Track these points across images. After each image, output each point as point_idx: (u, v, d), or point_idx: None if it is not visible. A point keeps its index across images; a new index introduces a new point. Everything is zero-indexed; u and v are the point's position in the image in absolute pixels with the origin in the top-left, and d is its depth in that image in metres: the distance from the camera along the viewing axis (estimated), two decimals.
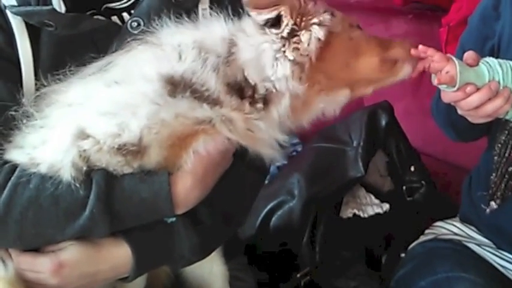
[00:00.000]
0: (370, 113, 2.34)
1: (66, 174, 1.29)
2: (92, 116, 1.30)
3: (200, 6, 1.51)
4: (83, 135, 1.29)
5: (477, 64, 1.48)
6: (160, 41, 1.36)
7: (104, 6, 1.50)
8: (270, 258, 2.15)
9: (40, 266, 1.35)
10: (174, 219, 1.38)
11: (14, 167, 1.33)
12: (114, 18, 1.51)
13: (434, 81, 1.48)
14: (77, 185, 1.29)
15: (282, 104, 1.34)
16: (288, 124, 1.38)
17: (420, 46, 1.44)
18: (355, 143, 2.29)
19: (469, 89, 1.45)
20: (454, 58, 1.45)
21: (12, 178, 1.32)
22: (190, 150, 1.32)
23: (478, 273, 1.73)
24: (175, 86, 1.30)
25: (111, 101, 1.31)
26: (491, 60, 1.50)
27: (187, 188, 1.34)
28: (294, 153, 2.80)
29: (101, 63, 1.36)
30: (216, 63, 1.32)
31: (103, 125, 1.29)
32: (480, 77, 1.47)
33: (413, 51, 1.44)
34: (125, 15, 1.51)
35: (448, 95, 1.51)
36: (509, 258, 1.81)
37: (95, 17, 1.49)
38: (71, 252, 1.36)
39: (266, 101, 1.34)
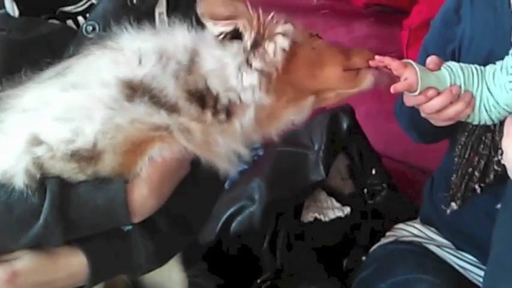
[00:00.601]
0: (332, 116, 2.34)
1: (19, 181, 1.27)
2: (46, 121, 1.28)
3: (157, 10, 1.50)
4: (36, 141, 1.27)
5: (439, 69, 1.50)
6: (119, 46, 1.34)
7: (59, 10, 1.48)
8: (231, 264, 2.14)
9: None
10: (130, 227, 1.36)
11: None
12: (69, 22, 1.49)
13: (391, 89, 1.49)
14: (30, 192, 1.27)
15: (247, 116, 1.33)
16: (253, 137, 1.37)
17: (376, 56, 1.45)
18: (316, 147, 2.29)
19: (430, 92, 1.46)
20: (413, 63, 1.45)
21: None
22: (145, 157, 1.30)
23: (438, 274, 1.74)
24: (134, 90, 1.28)
25: (66, 106, 1.28)
26: (453, 64, 1.51)
27: (143, 196, 1.32)
28: (256, 158, 2.80)
29: (58, 68, 1.34)
30: (176, 69, 1.30)
31: (57, 130, 1.27)
32: (441, 81, 1.48)
33: (370, 62, 1.44)
34: (80, 19, 1.49)
35: (410, 99, 1.52)
36: (469, 259, 1.82)
37: (50, 21, 1.47)
38: (25, 261, 1.33)
39: (229, 112, 1.33)
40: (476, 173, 1.72)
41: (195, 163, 1.40)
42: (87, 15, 1.47)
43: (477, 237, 1.78)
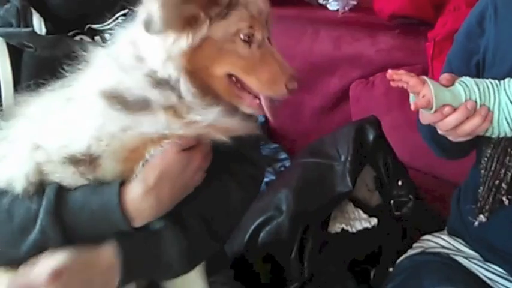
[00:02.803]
0: (358, 128, 2.34)
1: (19, 187, 1.32)
2: (45, 129, 1.34)
3: None
4: (36, 147, 1.32)
5: (453, 84, 1.50)
6: (96, 56, 1.40)
7: (87, 26, 1.52)
8: (259, 274, 2.14)
9: (36, 277, 1.33)
10: (162, 224, 1.38)
11: None
12: (97, 38, 1.53)
13: (412, 106, 1.50)
14: (28, 198, 1.31)
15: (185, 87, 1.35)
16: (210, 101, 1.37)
17: (395, 72, 1.48)
18: (342, 158, 2.29)
19: (446, 110, 1.48)
20: (429, 81, 1.47)
21: None
22: (141, 161, 1.34)
23: (466, 286, 1.73)
24: (112, 99, 1.32)
25: (63, 115, 1.34)
26: (467, 79, 1.52)
27: (138, 196, 1.33)
28: (282, 169, 2.81)
29: (63, 81, 1.39)
30: (130, 67, 1.35)
31: (54, 137, 1.32)
32: (456, 97, 1.49)
33: (388, 76, 1.46)
34: (107, 36, 1.53)
35: (426, 117, 1.53)
36: (497, 271, 1.81)
37: (78, 37, 1.51)
38: (64, 260, 1.34)
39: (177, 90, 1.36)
40: (504, 185, 1.72)
41: (226, 171, 1.43)
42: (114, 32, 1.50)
43: (505, 248, 1.77)
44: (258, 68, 1.34)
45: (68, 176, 1.33)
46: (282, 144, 3.03)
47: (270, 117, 1.38)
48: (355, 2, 3.33)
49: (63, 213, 1.31)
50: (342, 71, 3.15)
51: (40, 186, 1.32)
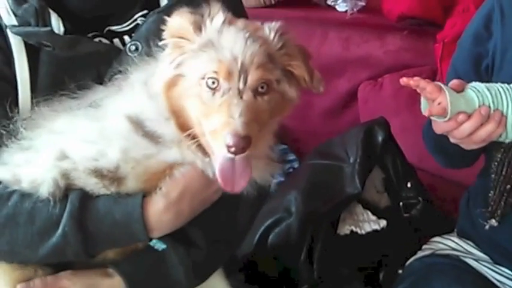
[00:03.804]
0: (367, 130, 2.34)
1: (45, 189, 1.33)
2: (73, 142, 1.35)
3: None
4: (63, 156, 1.34)
5: (463, 90, 1.49)
6: (130, 81, 1.40)
7: (106, 28, 1.53)
8: (268, 276, 2.14)
9: None
10: (164, 246, 1.40)
11: None
12: (116, 40, 1.53)
13: (425, 112, 1.48)
14: (53, 202, 1.32)
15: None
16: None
17: (411, 79, 1.45)
18: (351, 160, 2.29)
19: (460, 117, 1.46)
20: (444, 87, 1.45)
21: None
22: (166, 179, 1.35)
23: None
24: (135, 124, 1.33)
25: (91, 133, 1.35)
26: (478, 85, 1.51)
27: (159, 210, 1.35)
28: (291, 170, 2.80)
29: (89, 98, 1.40)
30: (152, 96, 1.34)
31: (83, 149, 1.34)
32: (470, 103, 1.47)
33: (402, 83, 1.43)
34: (126, 38, 1.54)
35: (440, 126, 1.52)
36: (507, 273, 1.81)
37: (97, 39, 1.51)
38: (68, 283, 1.38)
39: None
40: None
41: None
42: (133, 34, 1.52)
43: None
44: (210, 118, 1.25)
45: (91, 185, 1.35)
46: (290, 146, 3.03)
47: (220, 181, 1.28)
48: (363, 3, 3.33)
49: (87, 219, 1.33)
50: (351, 73, 3.15)
51: (63, 190, 1.34)
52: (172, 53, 1.31)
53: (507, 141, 1.55)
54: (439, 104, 1.45)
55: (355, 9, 3.32)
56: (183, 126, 1.31)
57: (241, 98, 1.24)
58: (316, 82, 1.34)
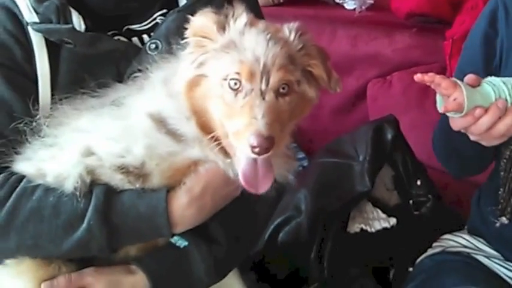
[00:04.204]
0: (376, 127, 2.34)
1: (71, 184, 1.34)
2: (99, 139, 1.36)
3: None
4: (88, 153, 1.35)
5: (479, 85, 1.48)
6: (151, 79, 1.41)
7: (125, 27, 1.54)
8: (279, 274, 2.15)
9: None
10: (186, 243, 1.41)
11: (21, 177, 1.38)
12: (135, 39, 1.55)
13: (441, 109, 1.47)
14: (78, 196, 1.33)
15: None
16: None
17: (429, 74, 1.44)
18: (361, 158, 2.29)
19: (477, 112, 1.45)
20: (460, 83, 1.45)
21: (18, 189, 1.36)
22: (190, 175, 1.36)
23: (488, 285, 1.73)
24: (157, 122, 1.35)
25: (115, 131, 1.36)
26: (494, 79, 1.50)
27: (183, 205, 1.36)
28: (300, 168, 2.80)
29: (112, 96, 1.42)
30: (174, 94, 1.35)
31: (108, 146, 1.35)
32: (486, 97, 1.46)
33: (417, 79, 1.43)
34: (145, 37, 1.55)
35: (457, 122, 1.50)
36: None
37: (116, 37, 1.53)
38: (93, 281, 1.38)
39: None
40: None
41: None
42: (152, 33, 1.53)
43: None
44: (233, 119, 1.26)
45: (116, 181, 1.36)
46: (299, 144, 3.02)
47: (244, 184, 1.29)
48: (372, 1, 3.32)
49: (112, 213, 1.34)
50: (360, 70, 3.15)
51: (89, 185, 1.35)
52: (194, 52, 1.32)
53: None
54: (454, 99, 1.44)
55: (363, 7, 3.31)
56: (205, 126, 1.32)
57: (263, 99, 1.24)
58: (334, 82, 1.36)
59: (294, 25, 1.34)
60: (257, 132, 1.21)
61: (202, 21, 1.31)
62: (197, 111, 1.32)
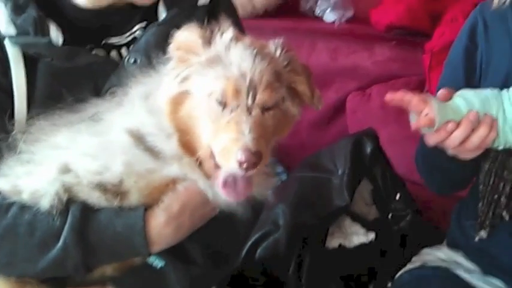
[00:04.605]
0: (355, 141, 2.33)
1: (47, 202, 1.32)
2: (76, 155, 1.35)
3: None
4: (66, 170, 1.33)
5: (450, 99, 1.49)
6: (129, 96, 1.39)
7: (104, 41, 1.53)
8: None
9: None
10: (162, 263, 1.39)
11: None
12: (114, 53, 1.53)
13: (413, 125, 1.48)
14: (54, 214, 1.32)
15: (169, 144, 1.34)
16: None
17: (399, 93, 1.45)
18: (340, 172, 2.28)
19: (449, 126, 1.46)
20: (430, 98, 1.46)
21: None
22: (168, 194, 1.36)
23: None
24: (136, 138, 1.33)
25: (94, 147, 1.35)
26: (465, 92, 1.51)
27: (160, 223, 1.35)
28: (278, 183, 2.79)
29: (90, 112, 1.40)
30: (154, 110, 1.34)
31: (86, 163, 1.34)
32: (457, 111, 1.47)
33: (387, 100, 1.44)
34: (124, 50, 1.53)
35: (431, 138, 1.51)
36: (496, 285, 1.80)
37: (95, 51, 1.51)
38: None
39: None
40: (503, 199, 1.71)
41: None
42: (131, 47, 1.52)
43: (505, 262, 1.76)
44: (219, 136, 1.25)
45: (93, 199, 1.34)
46: (278, 158, 3.01)
47: (223, 192, 1.30)
48: (351, 14, 3.33)
49: (88, 231, 1.32)
50: (339, 83, 3.15)
51: (66, 203, 1.33)
52: (177, 67, 1.31)
53: (500, 147, 1.54)
54: (426, 115, 1.44)
55: (343, 20, 3.33)
56: (187, 145, 1.31)
57: (249, 114, 1.24)
58: (317, 99, 1.37)
59: (279, 41, 1.33)
60: (244, 147, 1.20)
61: (186, 35, 1.30)
62: (180, 129, 1.30)
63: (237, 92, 1.24)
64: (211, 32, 1.30)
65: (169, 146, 1.32)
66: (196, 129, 1.29)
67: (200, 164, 1.31)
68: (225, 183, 1.28)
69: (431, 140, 1.51)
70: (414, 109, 1.46)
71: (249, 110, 1.24)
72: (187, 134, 1.30)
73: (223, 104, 1.25)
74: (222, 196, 1.30)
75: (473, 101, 1.48)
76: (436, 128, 1.45)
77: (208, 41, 1.29)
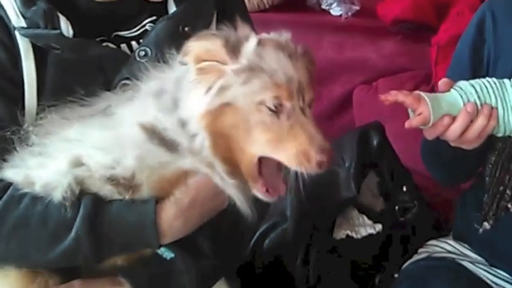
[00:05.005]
0: (362, 134, 2.34)
1: (59, 194, 1.33)
2: (88, 149, 1.35)
3: None
4: (78, 163, 1.34)
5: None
6: (141, 91, 1.39)
7: (114, 33, 1.53)
8: (265, 281, 2.14)
9: None
10: (172, 255, 1.39)
11: (8, 185, 1.37)
12: (123, 46, 1.53)
13: (406, 124, 1.48)
14: (67, 205, 1.32)
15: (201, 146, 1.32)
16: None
17: (392, 93, 1.46)
18: (347, 164, 2.29)
19: (445, 120, 1.46)
20: (424, 95, 1.45)
21: (5, 196, 1.35)
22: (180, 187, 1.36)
23: None
24: (150, 133, 1.33)
25: (106, 141, 1.35)
26: (462, 83, 1.50)
27: (171, 216, 1.35)
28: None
29: (101, 106, 1.40)
30: (169, 107, 1.34)
31: (98, 156, 1.34)
32: (453, 104, 1.47)
33: (382, 98, 1.45)
34: (134, 43, 1.54)
35: (429, 132, 1.51)
36: (503, 275, 1.82)
37: (104, 44, 1.51)
38: None
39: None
40: (508, 192, 1.72)
41: None
42: (141, 40, 1.52)
43: (510, 254, 1.77)
44: (285, 141, 1.25)
45: (105, 191, 1.35)
46: None
47: (267, 197, 1.34)
48: (358, 8, 3.34)
49: (100, 223, 1.33)
50: (345, 77, 3.15)
51: (78, 195, 1.34)
52: (204, 79, 1.28)
53: (499, 134, 1.53)
54: (420, 114, 1.45)
55: (349, 13, 3.33)
56: (221, 150, 1.31)
57: (305, 115, 1.26)
58: None
59: (287, 35, 1.34)
60: (321, 148, 1.23)
61: (204, 45, 1.28)
62: (219, 140, 1.30)
63: (290, 96, 1.25)
64: (230, 38, 1.28)
65: (185, 138, 1.31)
66: (240, 140, 1.28)
67: (233, 170, 1.32)
68: (268, 188, 1.32)
69: (429, 134, 1.52)
70: (409, 108, 1.47)
71: (303, 111, 1.26)
72: (227, 144, 1.30)
73: (278, 111, 1.25)
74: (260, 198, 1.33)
75: (470, 91, 1.47)
76: (432, 124, 1.46)
77: (232, 49, 1.27)
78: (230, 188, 1.35)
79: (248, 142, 1.28)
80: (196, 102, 1.28)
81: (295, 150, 1.24)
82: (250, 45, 1.28)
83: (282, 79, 1.25)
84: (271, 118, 1.25)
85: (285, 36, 1.34)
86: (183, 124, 1.31)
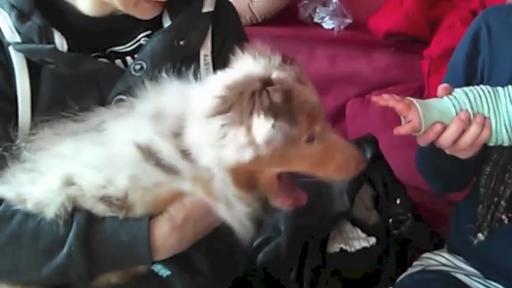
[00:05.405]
0: (355, 146, 2.33)
1: (52, 212, 1.31)
2: (80, 167, 1.34)
3: (202, 52, 1.54)
4: (69, 182, 1.33)
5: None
6: (136, 109, 1.38)
7: (109, 49, 1.52)
8: None
9: None
10: (169, 273, 1.39)
11: (0, 202, 1.35)
12: (118, 61, 1.52)
13: (394, 131, 1.49)
14: (59, 222, 1.31)
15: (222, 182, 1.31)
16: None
17: (383, 97, 1.46)
18: None
19: (436, 127, 1.46)
20: (416, 102, 1.45)
21: None
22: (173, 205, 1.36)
23: None
24: (146, 153, 1.32)
25: (98, 159, 1.34)
26: (456, 91, 1.50)
27: (164, 233, 1.35)
28: None
29: (94, 122, 1.39)
30: (167, 135, 1.32)
31: (90, 176, 1.33)
32: (445, 113, 1.46)
33: (374, 101, 1.46)
34: (128, 59, 1.53)
35: (421, 139, 1.51)
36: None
37: (99, 59, 1.50)
38: None
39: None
40: (503, 203, 1.71)
41: None
42: (136, 55, 1.51)
43: (505, 266, 1.76)
44: (323, 162, 1.31)
45: (97, 210, 1.34)
46: None
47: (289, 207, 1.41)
48: (350, 21, 3.35)
49: (93, 240, 1.32)
50: (338, 90, 3.15)
51: (71, 214, 1.33)
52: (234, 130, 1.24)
53: (491, 144, 1.53)
54: (409, 121, 1.45)
55: (342, 27, 3.34)
56: (242, 181, 1.31)
57: (329, 131, 1.32)
58: None
59: (278, 57, 1.36)
60: (360, 158, 1.36)
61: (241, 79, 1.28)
62: (240, 175, 1.30)
63: (318, 122, 1.29)
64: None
65: (186, 165, 1.30)
66: (271, 170, 1.31)
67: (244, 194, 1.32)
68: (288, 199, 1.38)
69: (422, 141, 1.52)
70: (399, 114, 1.47)
71: (327, 128, 1.32)
72: (249, 174, 1.30)
73: (312, 139, 1.29)
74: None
75: (463, 100, 1.47)
76: (423, 131, 1.46)
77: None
78: (234, 214, 1.34)
79: (281, 170, 1.32)
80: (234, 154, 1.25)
81: (334, 166, 1.32)
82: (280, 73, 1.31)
83: (310, 109, 1.29)
84: (307, 148, 1.29)
85: (277, 57, 1.36)
86: (184, 153, 1.30)
